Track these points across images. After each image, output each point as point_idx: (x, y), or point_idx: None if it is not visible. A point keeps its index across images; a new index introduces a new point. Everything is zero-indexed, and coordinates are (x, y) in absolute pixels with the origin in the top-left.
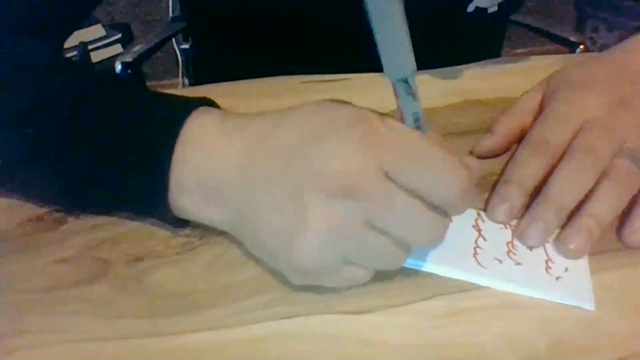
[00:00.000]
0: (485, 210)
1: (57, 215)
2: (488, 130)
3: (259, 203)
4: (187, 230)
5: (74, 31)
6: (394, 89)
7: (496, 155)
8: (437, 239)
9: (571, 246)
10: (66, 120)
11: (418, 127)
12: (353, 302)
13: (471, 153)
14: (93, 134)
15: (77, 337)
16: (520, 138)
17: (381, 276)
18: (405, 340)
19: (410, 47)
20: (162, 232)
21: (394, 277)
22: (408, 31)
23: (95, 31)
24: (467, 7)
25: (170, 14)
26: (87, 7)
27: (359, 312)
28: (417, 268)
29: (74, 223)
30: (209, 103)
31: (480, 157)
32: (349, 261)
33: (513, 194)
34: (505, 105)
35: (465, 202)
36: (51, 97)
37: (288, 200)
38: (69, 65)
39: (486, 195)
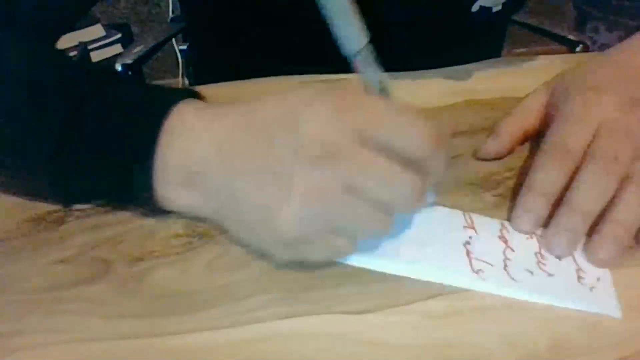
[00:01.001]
0: (483, 215)
1: (57, 215)
2: (489, 130)
3: (240, 182)
4: (187, 230)
5: (70, 29)
6: (354, 65)
7: (500, 157)
8: (416, 199)
9: (601, 256)
10: (62, 119)
11: (386, 96)
12: (353, 302)
13: (475, 155)
14: (85, 128)
15: (77, 337)
16: (524, 140)
17: (381, 276)
18: (405, 340)
19: (360, 21)
20: (162, 232)
21: (394, 277)
22: (356, 7)
23: (95, 31)
24: (471, 7)
25: (171, 14)
26: (84, 5)
27: (359, 312)
28: (451, 284)
29: (74, 223)
30: (194, 95)
31: (484, 160)
32: (333, 229)
33: (537, 204)
34: (505, 105)
35: (439, 154)
36: (45, 94)
37: (268, 174)
38: (63, 59)
39: (486, 195)
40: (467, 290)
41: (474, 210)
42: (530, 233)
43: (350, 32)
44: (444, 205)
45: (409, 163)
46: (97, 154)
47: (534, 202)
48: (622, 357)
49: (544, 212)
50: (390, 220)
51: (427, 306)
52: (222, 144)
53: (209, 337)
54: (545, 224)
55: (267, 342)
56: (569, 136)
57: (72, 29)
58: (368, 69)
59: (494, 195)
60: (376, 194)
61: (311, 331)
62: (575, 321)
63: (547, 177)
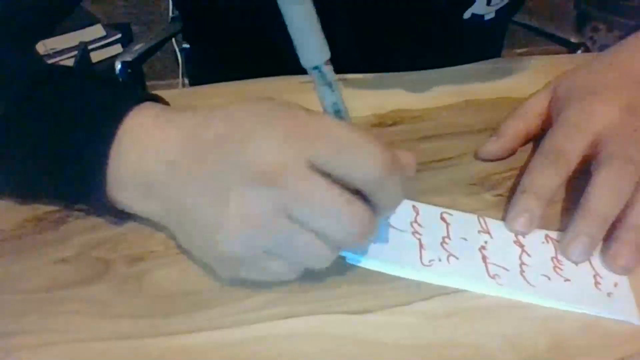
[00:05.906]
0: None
1: (57, 215)
2: (489, 130)
3: (186, 196)
4: None
5: (47, 36)
6: (313, 80)
7: (502, 158)
8: (361, 236)
9: (621, 262)
10: (12, 110)
11: (340, 118)
12: (353, 302)
13: (476, 156)
14: (34, 125)
15: (77, 337)
16: (526, 141)
17: (381, 276)
18: (405, 340)
19: (322, 36)
20: (162, 232)
21: (394, 277)
22: (318, 21)
23: (95, 31)
24: (462, 14)
25: (171, 14)
26: (58, 15)
27: (359, 312)
28: (466, 289)
29: (74, 223)
30: (153, 98)
31: (485, 160)
32: (271, 253)
33: (531, 204)
34: (505, 105)
35: (390, 186)
36: None
37: (211, 192)
38: (18, 57)
39: (486, 195)
40: (467, 290)
41: (474, 211)
42: (524, 233)
43: (311, 45)
44: (447, 207)
45: (360, 193)
46: (47, 153)
47: (528, 203)
48: (622, 357)
49: (539, 212)
50: (332, 252)
51: (427, 306)
52: (171, 155)
53: (208, 337)
54: (564, 231)
55: (267, 342)
56: (565, 141)
57: (60, 28)
58: (324, 88)
59: (494, 195)
60: (315, 225)
61: (311, 331)
62: (575, 321)
63: (541, 179)
